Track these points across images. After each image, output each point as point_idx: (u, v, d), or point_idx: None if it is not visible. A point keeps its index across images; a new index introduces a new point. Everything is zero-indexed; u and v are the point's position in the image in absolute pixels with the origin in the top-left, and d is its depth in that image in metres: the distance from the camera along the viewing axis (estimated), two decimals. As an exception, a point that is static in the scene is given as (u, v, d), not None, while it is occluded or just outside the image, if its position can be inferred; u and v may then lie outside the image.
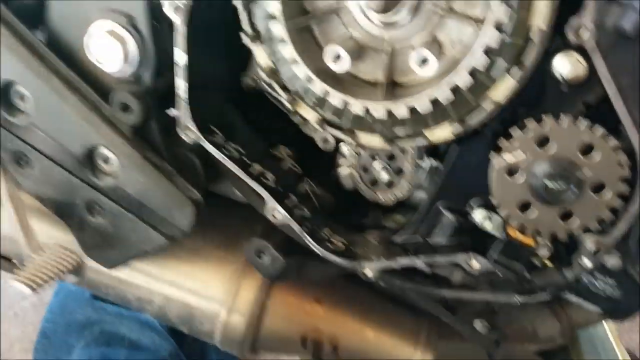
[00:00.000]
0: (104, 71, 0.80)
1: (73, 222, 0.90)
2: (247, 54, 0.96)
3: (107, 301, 1.37)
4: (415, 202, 1.06)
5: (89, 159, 0.85)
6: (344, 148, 1.06)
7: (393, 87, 0.79)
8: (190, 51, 0.77)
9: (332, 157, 1.10)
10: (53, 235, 1.00)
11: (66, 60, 0.82)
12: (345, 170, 1.08)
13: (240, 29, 0.79)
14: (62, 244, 0.94)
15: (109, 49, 0.78)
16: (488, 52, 0.68)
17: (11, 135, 0.85)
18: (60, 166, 0.85)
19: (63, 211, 0.90)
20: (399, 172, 1.00)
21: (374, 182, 1.04)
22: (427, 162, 0.97)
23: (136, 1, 0.77)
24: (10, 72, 0.81)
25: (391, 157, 1.01)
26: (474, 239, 0.85)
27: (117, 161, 0.83)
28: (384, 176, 1.00)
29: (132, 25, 0.78)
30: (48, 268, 0.82)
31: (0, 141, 0.84)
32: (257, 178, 0.89)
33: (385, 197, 1.02)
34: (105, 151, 0.83)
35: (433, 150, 0.93)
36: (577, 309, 1.07)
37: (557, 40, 0.69)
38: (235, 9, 0.77)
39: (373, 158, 1.03)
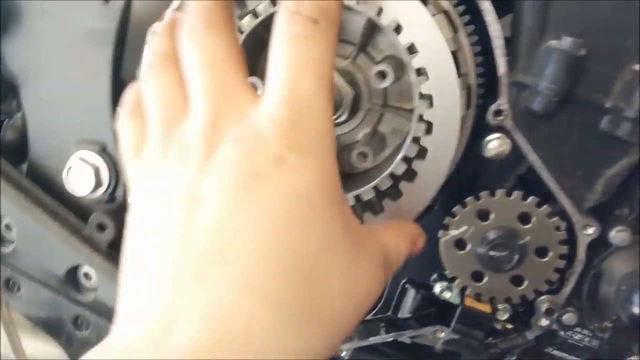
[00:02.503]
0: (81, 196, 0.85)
1: (61, 338, 0.91)
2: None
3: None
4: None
5: (72, 277, 0.87)
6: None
7: (344, 179, 0.83)
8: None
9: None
10: (45, 351, 1.02)
11: (48, 190, 0.86)
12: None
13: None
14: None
15: (83, 176, 0.82)
16: (417, 140, 0.73)
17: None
18: (46, 287, 0.88)
19: (51, 328, 0.91)
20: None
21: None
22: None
23: (105, 129, 0.82)
24: (-2, 207, 0.85)
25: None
26: (440, 311, 0.87)
27: (97, 276, 0.86)
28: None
29: (103, 151, 0.83)
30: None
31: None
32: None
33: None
34: (86, 268, 0.86)
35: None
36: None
37: (483, 122, 0.74)
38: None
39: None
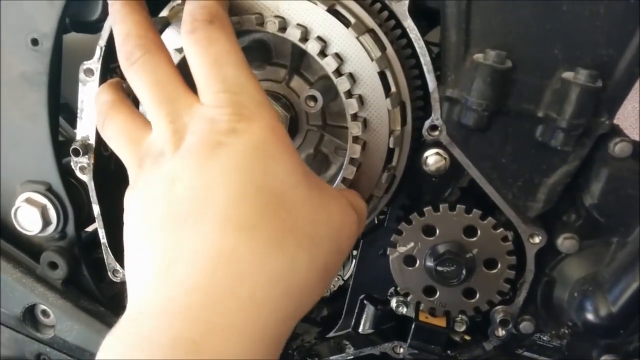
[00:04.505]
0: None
1: (27, 376, 0.90)
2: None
3: None
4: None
5: (31, 315, 0.86)
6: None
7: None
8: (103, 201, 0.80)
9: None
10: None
11: None
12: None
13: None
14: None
15: (30, 216, 0.80)
16: (354, 161, 0.70)
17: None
18: (6, 327, 0.86)
19: (17, 366, 0.90)
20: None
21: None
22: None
23: (48, 169, 0.81)
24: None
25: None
26: (400, 324, 0.85)
27: (54, 314, 0.84)
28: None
29: (49, 190, 0.81)
30: None
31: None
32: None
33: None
34: (43, 307, 0.84)
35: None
36: None
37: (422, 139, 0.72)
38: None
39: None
